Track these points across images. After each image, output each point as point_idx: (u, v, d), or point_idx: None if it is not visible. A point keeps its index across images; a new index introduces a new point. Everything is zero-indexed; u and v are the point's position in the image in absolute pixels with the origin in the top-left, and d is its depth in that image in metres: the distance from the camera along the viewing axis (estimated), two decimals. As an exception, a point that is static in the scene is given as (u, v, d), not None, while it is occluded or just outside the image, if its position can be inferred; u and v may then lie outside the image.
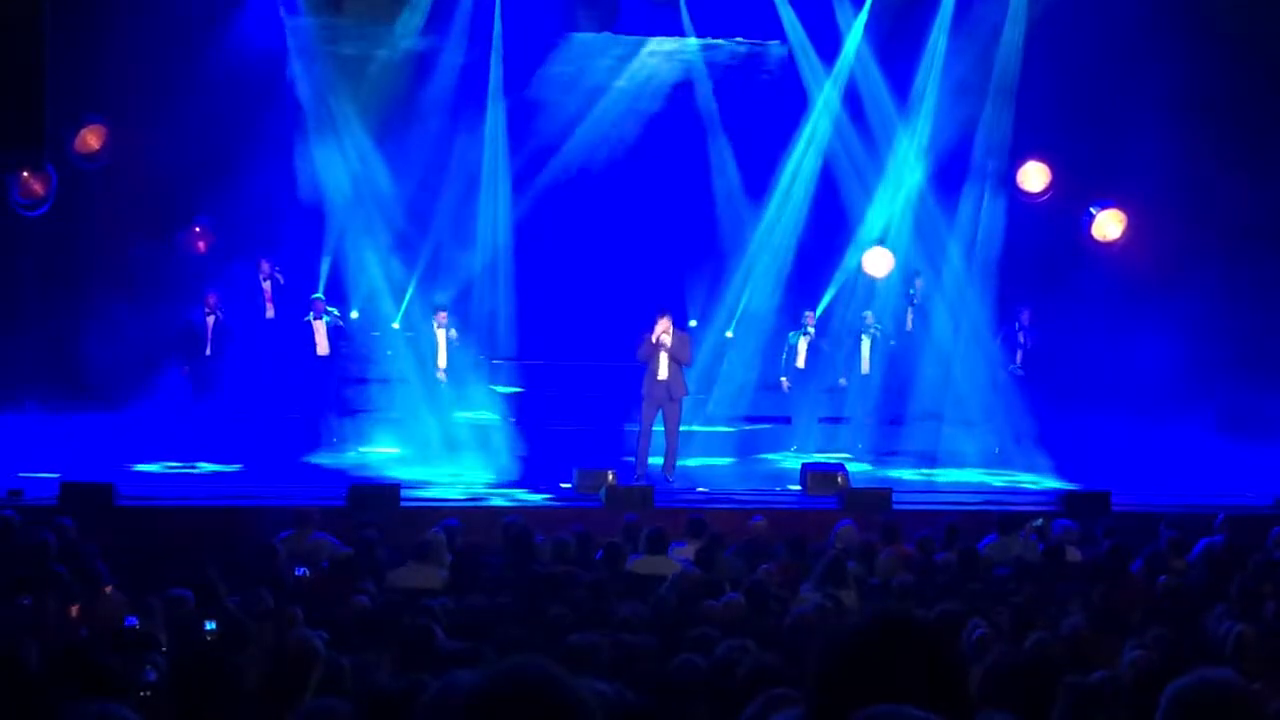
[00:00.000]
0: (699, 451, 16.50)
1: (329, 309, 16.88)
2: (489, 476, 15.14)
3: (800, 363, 17.49)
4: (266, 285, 17.18)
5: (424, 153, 17.44)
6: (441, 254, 17.68)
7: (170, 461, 15.30)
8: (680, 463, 15.34)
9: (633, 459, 15.11)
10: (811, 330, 17.50)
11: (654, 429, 15.10)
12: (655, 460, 15.11)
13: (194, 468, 15.23)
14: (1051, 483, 15.53)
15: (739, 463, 16.81)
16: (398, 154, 17.38)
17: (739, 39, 18.40)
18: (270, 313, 17.17)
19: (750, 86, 18.50)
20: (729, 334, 18.00)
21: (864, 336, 17.36)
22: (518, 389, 17.83)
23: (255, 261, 17.11)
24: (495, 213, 18.06)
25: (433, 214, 17.57)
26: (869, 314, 17.46)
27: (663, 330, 14.79)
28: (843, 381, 17.43)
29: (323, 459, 16.02)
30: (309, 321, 16.72)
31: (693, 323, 17.85)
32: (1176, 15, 16.54)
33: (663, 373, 14.82)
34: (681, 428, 15.34)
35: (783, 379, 17.55)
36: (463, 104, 17.80)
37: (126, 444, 15.28)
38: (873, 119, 17.98)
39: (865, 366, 17.37)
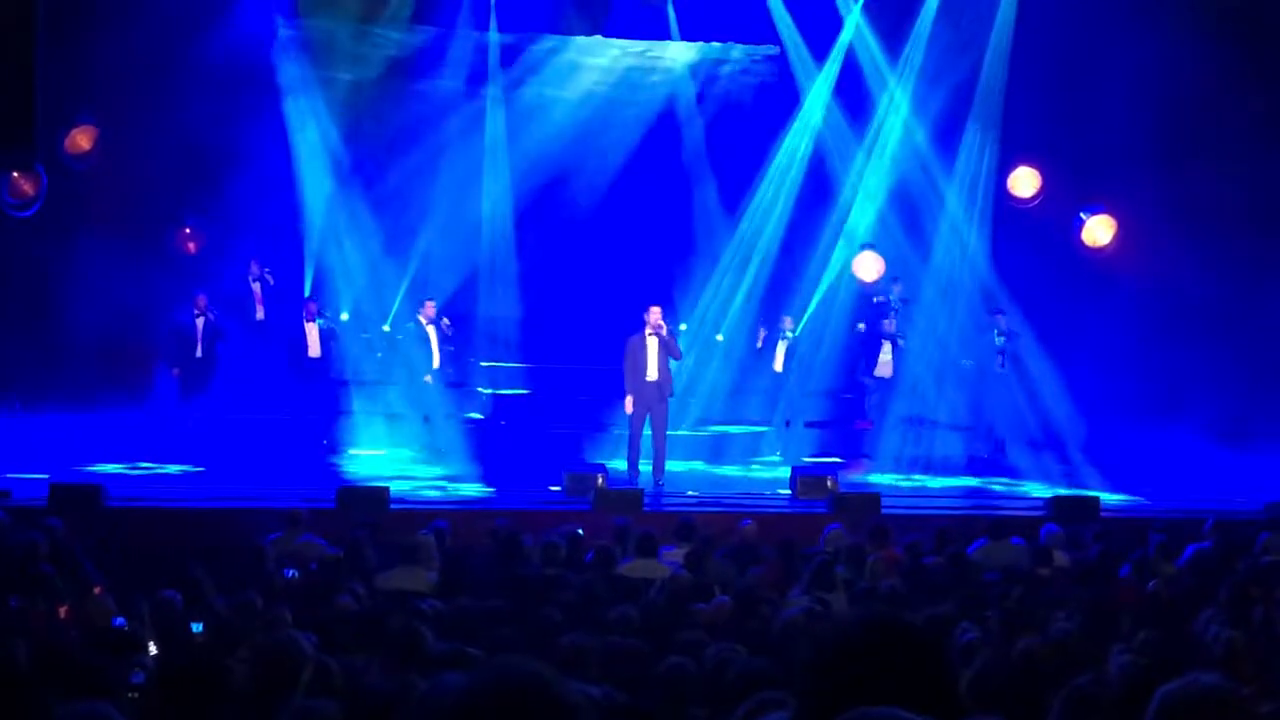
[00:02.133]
0: (675, 455, 16.48)
1: (322, 312, 16.86)
2: (478, 478, 15.13)
3: (777, 366, 17.49)
4: (256, 286, 17.16)
5: (418, 153, 17.44)
6: (432, 258, 17.68)
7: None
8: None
9: (621, 464, 15.08)
10: (789, 335, 17.50)
11: (643, 432, 15.09)
12: (644, 466, 15.09)
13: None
14: (1040, 488, 15.53)
15: (709, 466, 16.84)
16: (390, 154, 17.37)
17: (730, 43, 18.43)
18: (260, 314, 17.15)
19: (738, 89, 18.52)
20: (719, 337, 18.00)
21: (884, 342, 17.36)
22: (507, 391, 17.82)
23: (245, 262, 17.09)
24: (488, 216, 18.06)
25: (425, 217, 17.55)
26: (890, 322, 17.43)
27: (657, 318, 14.76)
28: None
29: (312, 461, 15.99)
30: (304, 323, 16.71)
31: (683, 326, 17.84)
32: (1168, 14, 16.55)
33: (652, 372, 14.80)
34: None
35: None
36: (456, 105, 17.81)
37: (112, 446, 15.25)
38: (863, 120, 18.02)
39: (889, 370, 17.37)
